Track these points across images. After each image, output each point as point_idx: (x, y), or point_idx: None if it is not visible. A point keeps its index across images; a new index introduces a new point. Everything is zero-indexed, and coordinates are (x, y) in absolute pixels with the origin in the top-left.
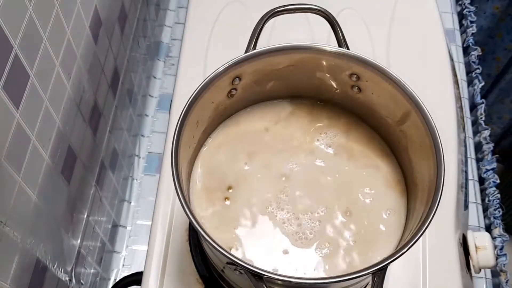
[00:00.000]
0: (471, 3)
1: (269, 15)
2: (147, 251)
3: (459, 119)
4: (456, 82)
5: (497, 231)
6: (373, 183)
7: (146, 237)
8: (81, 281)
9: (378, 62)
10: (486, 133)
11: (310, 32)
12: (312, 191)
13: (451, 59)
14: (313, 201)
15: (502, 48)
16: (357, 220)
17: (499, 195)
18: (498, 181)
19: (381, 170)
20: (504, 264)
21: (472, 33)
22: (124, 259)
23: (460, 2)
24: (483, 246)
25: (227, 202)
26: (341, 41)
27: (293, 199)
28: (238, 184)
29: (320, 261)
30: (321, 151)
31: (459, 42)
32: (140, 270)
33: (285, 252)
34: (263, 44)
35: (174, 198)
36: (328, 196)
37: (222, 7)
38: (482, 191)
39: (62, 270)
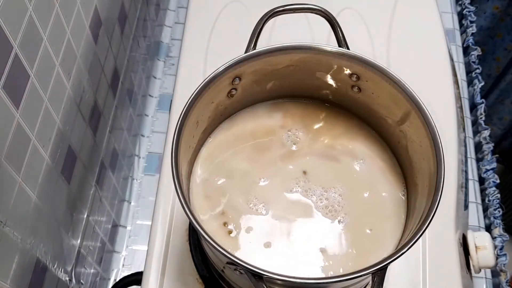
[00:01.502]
0: (471, 3)
1: (269, 15)
2: (147, 251)
3: (459, 119)
4: (456, 82)
5: (497, 231)
6: (373, 182)
7: (146, 237)
8: (81, 281)
9: (378, 62)
10: (486, 133)
11: (310, 32)
12: (314, 190)
13: (451, 59)
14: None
15: (502, 48)
16: (357, 219)
17: (499, 195)
18: (498, 181)
19: (381, 170)
20: (504, 264)
21: (472, 33)
22: (124, 259)
23: (460, 2)
24: (483, 246)
25: (227, 201)
26: (341, 41)
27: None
28: (239, 183)
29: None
30: (321, 151)
31: (459, 42)
32: (140, 270)
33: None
34: (263, 44)
35: (174, 198)
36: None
37: (222, 7)
38: (482, 191)
39: (62, 270)
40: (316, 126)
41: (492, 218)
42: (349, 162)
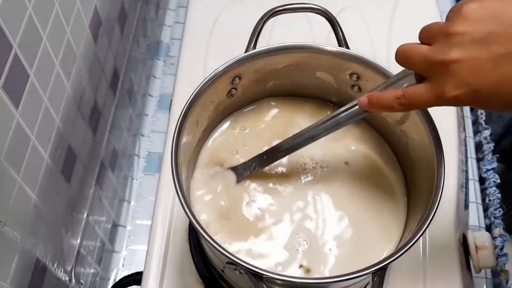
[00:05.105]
0: None
1: (269, 15)
2: (147, 251)
3: (459, 119)
4: None
5: (498, 231)
6: (372, 182)
7: (146, 237)
8: (81, 280)
9: (378, 62)
10: (487, 132)
11: (310, 32)
12: (315, 190)
13: None
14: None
15: None
16: (359, 219)
17: (499, 195)
18: (498, 180)
19: (381, 170)
20: (504, 264)
21: None
22: (124, 259)
23: None
24: (483, 246)
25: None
26: (341, 40)
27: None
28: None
29: None
30: (321, 150)
31: None
32: (140, 270)
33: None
34: (263, 44)
35: (174, 198)
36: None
37: (222, 7)
38: (483, 190)
39: (62, 269)
40: None
41: (492, 218)
42: (348, 161)
